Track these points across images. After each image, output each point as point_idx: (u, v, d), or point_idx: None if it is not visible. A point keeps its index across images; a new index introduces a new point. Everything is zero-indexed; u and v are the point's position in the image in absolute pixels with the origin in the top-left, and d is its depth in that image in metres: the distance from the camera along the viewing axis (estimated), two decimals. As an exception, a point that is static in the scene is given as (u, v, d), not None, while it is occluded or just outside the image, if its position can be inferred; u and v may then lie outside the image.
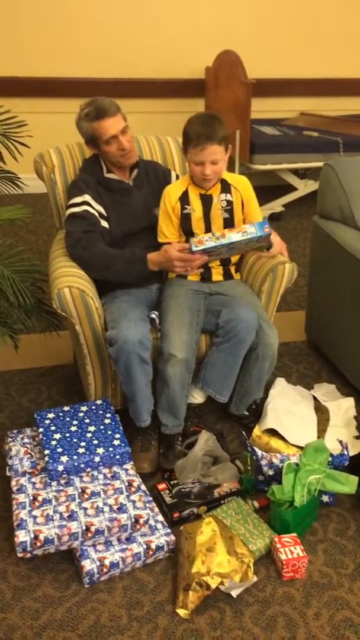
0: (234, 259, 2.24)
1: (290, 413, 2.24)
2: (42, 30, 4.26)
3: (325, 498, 1.97)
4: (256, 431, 2.18)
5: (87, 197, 2.10)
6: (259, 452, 1.96)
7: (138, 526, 1.74)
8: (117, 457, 1.88)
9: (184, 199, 2.12)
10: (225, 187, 2.15)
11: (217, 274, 2.22)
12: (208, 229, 2.13)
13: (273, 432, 2.17)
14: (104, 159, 2.16)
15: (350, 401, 2.35)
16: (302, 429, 2.19)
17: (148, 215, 2.19)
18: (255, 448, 1.97)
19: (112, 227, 2.14)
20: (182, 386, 2.04)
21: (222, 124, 2.00)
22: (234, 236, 1.92)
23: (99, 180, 2.15)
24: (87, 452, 1.85)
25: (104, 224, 2.12)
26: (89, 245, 2.06)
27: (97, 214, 2.10)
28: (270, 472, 1.96)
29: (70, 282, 1.97)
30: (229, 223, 2.15)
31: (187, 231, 2.14)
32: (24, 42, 4.27)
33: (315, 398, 2.40)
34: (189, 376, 2.06)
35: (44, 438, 1.91)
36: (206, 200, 2.12)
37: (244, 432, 2.08)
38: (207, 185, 2.10)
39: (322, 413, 2.30)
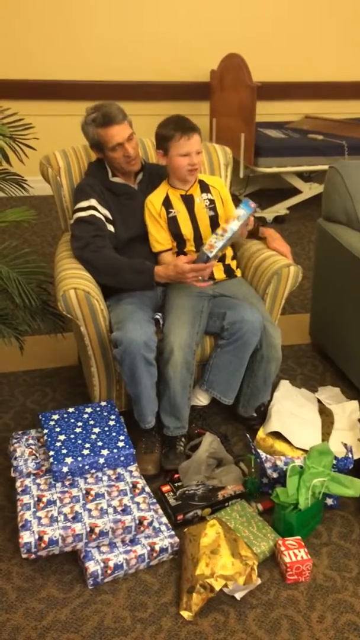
0: (229, 253, 2.25)
1: (294, 416, 2.24)
2: (48, 33, 4.28)
3: (329, 501, 1.96)
4: (260, 434, 2.18)
5: (93, 202, 2.11)
6: (263, 455, 1.96)
7: (142, 528, 1.74)
8: (122, 458, 1.88)
9: (167, 203, 2.16)
10: (204, 187, 2.20)
11: (218, 272, 2.22)
12: (196, 229, 2.16)
13: (277, 435, 2.17)
14: (109, 163, 2.16)
15: (354, 404, 2.34)
16: (306, 432, 2.19)
17: None
18: (259, 451, 1.97)
19: (118, 231, 2.14)
20: (183, 387, 2.04)
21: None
22: (233, 225, 1.95)
23: (104, 184, 2.16)
24: (92, 454, 1.86)
25: (110, 227, 2.13)
26: (99, 250, 2.07)
27: (103, 218, 2.11)
28: (275, 475, 1.96)
29: (76, 283, 1.98)
30: (214, 220, 2.18)
31: (175, 235, 2.17)
32: (30, 46, 4.30)
33: (319, 401, 2.40)
34: (190, 377, 2.06)
35: (49, 439, 1.91)
36: (188, 201, 2.16)
37: (248, 435, 2.08)
38: (191, 180, 2.15)
39: (326, 416, 2.30)
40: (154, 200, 2.17)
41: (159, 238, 2.17)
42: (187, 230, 2.16)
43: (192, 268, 1.98)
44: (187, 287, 2.15)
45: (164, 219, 2.15)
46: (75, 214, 2.13)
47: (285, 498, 1.82)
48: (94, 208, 2.10)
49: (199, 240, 2.17)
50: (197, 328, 2.07)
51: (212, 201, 2.19)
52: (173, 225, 2.15)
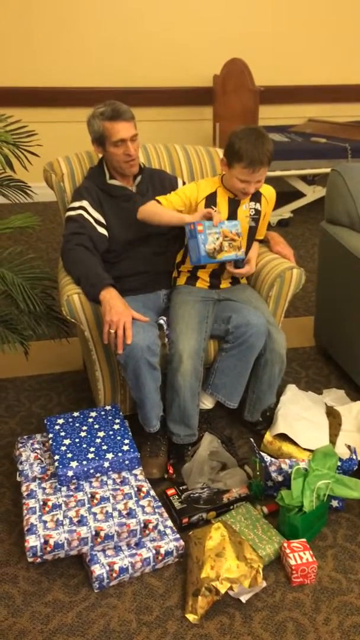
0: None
1: (301, 418, 2.24)
2: (50, 40, 4.31)
3: (334, 503, 1.96)
4: (267, 437, 2.18)
5: (84, 203, 2.12)
6: (268, 458, 1.96)
7: (147, 531, 1.75)
8: (127, 462, 1.89)
9: (211, 199, 2.09)
10: (256, 196, 2.15)
11: (225, 283, 2.23)
12: None
13: (285, 437, 2.17)
14: (107, 164, 2.17)
15: None
16: (313, 433, 2.19)
17: None
18: (263, 454, 1.98)
19: (115, 234, 2.14)
20: (193, 395, 2.05)
21: (270, 142, 1.98)
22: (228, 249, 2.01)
23: (101, 186, 2.17)
24: (97, 458, 1.86)
25: (102, 231, 2.12)
26: (73, 248, 2.05)
27: (92, 221, 2.11)
28: (280, 478, 1.96)
29: (80, 289, 1.99)
30: (253, 231, 2.15)
31: None
32: (34, 53, 4.33)
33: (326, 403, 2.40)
34: (199, 384, 2.06)
35: (54, 444, 1.92)
36: (233, 204, 2.11)
37: (252, 439, 2.08)
38: (242, 198, 2.10)
39: (334, 417, 2.30)
40: (200, 190, 2.09)
41: (171, 198, 2.09)
42: None
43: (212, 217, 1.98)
44: (191, 292, 2.16)
45: (195, 207, 2.09)
46: (66, 214, 2.16)
47: (290, 500, 1.82)
48: (84, 209, 2.11)
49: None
50: (204, 334, 2.07)
51: (257, 212, 2.15)
52: None
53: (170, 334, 2.07)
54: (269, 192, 2.19)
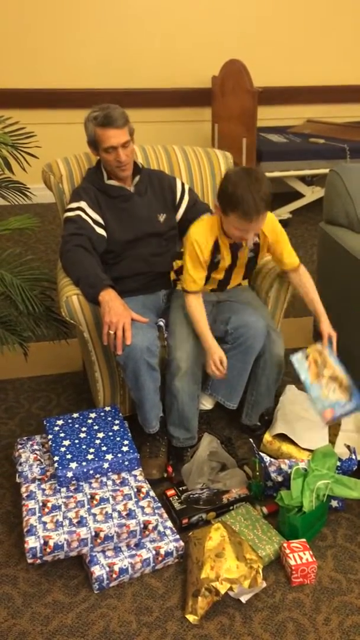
0: (239, 278, 2.19)
1: (301, 419, 2.24)
2: (49, 42, 4.32)
3: (334, 503, 1.96)
4: (267, 437, 2.19)
5: (82, 204, 2.12)
6: (267, 459, 1.96)
7: (147, 532, 1.75)
8: (126, 463, 1.89)
9: (215, 249, 2.01)
10: None
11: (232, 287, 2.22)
12: (232, 267, 2.07)
13: (284, 437, 2.17)
14: (103, 165, 2.18)
15: None
16: (313, 433, 2.19)
17: (151, 222, 2.20)
18: (262, 455, 1.98)
19: (114, 234, 2.14)
20: (192, 398, 2.05)
21: (268, 185, 1.81)
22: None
23: (99, 187, 2.16)
24: (96, 459, 1.87)
25: (100, 231, 2.12)
26: (72, 249, 2.04)
27: (90, 221, 2.11)
28: (279, 479, 1.96)
29: (79, 290, 1.99)
30: (253, 261, 2.10)
31: (209, 273, 2.08)
32: (32, 55, 4.33)
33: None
34: (197, 388, 2.07)
35: (53, 445, 1.92)
36: (235, 248, 2.03)
37: (251, 439, 2.08)
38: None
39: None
40: (202, 246, 1.97)
41: (197, 278, 2.01)
42: (222, 271, 2.09)
43: (218, 366, 1.99)
44: None
45: (208, 263, 2.02)
46: (63, 215, 2.16)
47: (290, 501, 1.82)
48: (82, 209, 2.11)
49: (229, 272, 2.10)
50: None
51: (257, 245, 2.05)
52: (213, 267, 2.05)
53: (168, 338, 2.07)
54: (266, 224, 1.97)
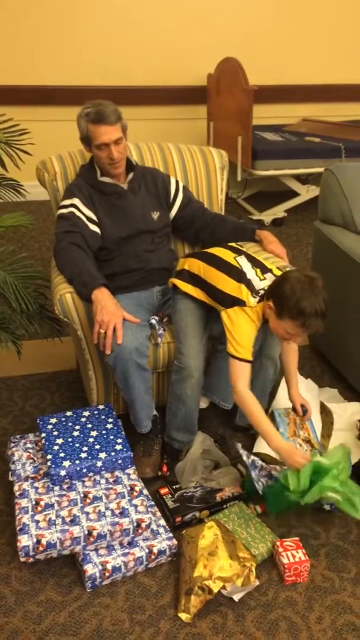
0: None
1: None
2: (43, 38, 4.30)
3: (327, 507, 1.95)
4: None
5: (75, 201, 2.11)
6: (259, 463, 1.91)
7: (140, 530, 1.74)
8: (119, 461, 1.88)
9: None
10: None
11: None
12: None
13: None
14: (96, 161, 2.17)
15: (357, 406, 2.33)
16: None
17: (145, 219, 2.19)
18: (255, 458, 1.92)
19: (108, 231, 2.13)
20: (198, 402, 2.08)
21: (326, 293, 1.77)
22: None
23: (92, 184, 2.15)
24: (90, 457, 1.86)
25: (94, 228, 2.11)
26: (66, 247, 2.04)
27: (84, 218, 2.10)
28: (270, 482, 1.92)
29: (72, 288, 1.99)
30: None
31: None
32: (26, 51, 4.31)
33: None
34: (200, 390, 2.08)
35: (47, 443, 1.91)
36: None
37: (239, 444, 1.98)
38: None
39: (325, 415, 2.30)
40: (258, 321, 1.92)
41: (250, 346, 1.90)
42: None
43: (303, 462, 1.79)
44: (190, 298, 2.09)
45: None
46: (57, 212, 2.15)
47: (295, 487, 1.72)
48: (75, 206, 2.10)
49: None
50: (205, 340, 2.08)
51: None
52: None
53: (177, 344, 2.05)
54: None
